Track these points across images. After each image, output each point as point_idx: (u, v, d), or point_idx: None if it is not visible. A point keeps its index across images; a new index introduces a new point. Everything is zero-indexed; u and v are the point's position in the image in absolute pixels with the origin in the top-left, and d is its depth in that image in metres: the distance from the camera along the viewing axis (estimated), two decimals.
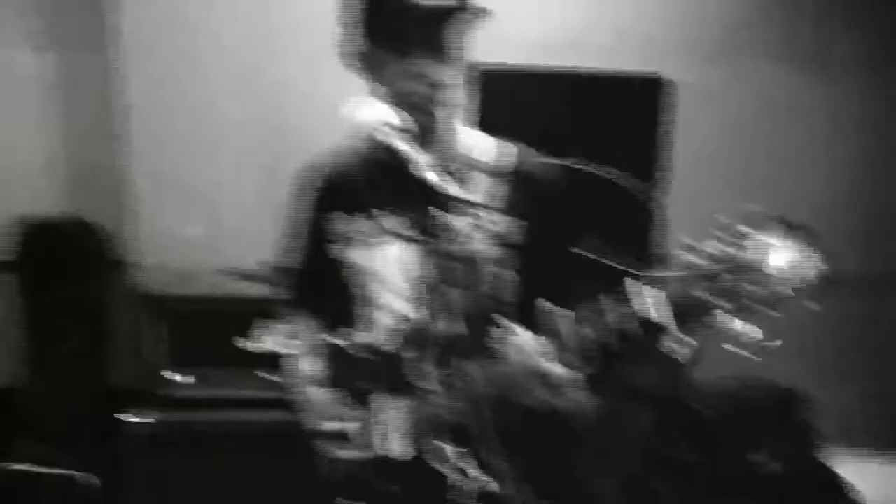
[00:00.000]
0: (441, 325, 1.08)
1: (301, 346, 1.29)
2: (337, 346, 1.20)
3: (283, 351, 1.29)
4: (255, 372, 2.02)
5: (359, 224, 1.16)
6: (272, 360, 1.99)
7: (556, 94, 1.97)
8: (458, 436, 1.07)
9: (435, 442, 1.08)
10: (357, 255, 1.17)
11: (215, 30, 2.12)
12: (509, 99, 1.85)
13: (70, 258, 2.31)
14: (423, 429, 1.09)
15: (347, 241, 1.17)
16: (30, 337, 2.32)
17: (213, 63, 2.13)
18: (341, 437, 1.15)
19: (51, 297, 2.31)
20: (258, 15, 2.13)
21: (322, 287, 1.22)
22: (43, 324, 2.31)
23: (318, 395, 1.21)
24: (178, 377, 1.99)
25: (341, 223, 1.18)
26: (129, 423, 1.96)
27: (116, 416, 2.02)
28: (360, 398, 1.15)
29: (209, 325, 2.01)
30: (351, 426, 1.15)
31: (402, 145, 1.05)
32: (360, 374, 1.15)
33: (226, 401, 1.98)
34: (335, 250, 1.18)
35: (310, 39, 2.12)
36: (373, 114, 1.06)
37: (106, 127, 2.21)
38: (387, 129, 1.05)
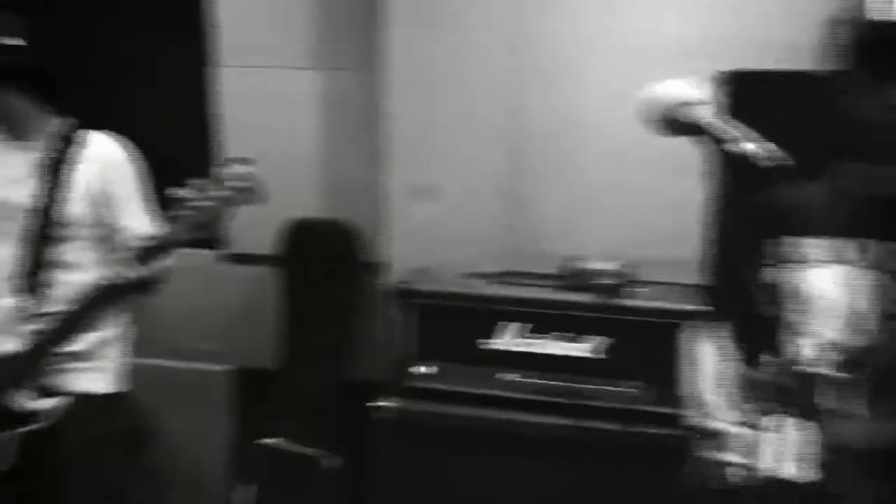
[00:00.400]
0: (882, 356, 1.01)
1: (710, 361, 1.26)
2: (751, 364, 1.17)
3: (690, 364, 1.28)
4: (495, 372, 2.09)
5: (805, 247, 1.08)
6: (512, 361, 2.07)
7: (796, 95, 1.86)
8: (867, 467, 0.99)
9: (839, 468, 1.01)
10: (795, 279, 1.08)
11: (478, 48, 2.26)
12: (757, 101, 1.79)
13: (329, 257, 2.57)
14: (832, 455, 1.02)
15: (787, 263, 1.09)
16: (291, 325, 2.60)
17: (471, 79, 2.27)
18: (726, 454, 1.10)
19: (310, 290, 2.57)
20: (519, 36, 2.23)
21: (741, 305, 1.18)
22: (302, 314, 2.58)
23: (716, 410, 1.18)
24: (422, 369, 2.10)
25: (782, 245, 1.11)
26: (375, 410, 2.11)
27: (363, 403, 2.19)
28: (759, 417, 1.10)
29: (454, 323, 2.11)
30: (740, 443, 1.10)
31: (713, 119, 1.01)
32: (769, 395, 1.09)
33: (466, 396, 2.06)
34: (768, 272, 1.12)
35: (567, 56, 2.21)
36: (684, 91, 1.04)
37: (368, 139, 2.44)
38: (702, 106, 1.02)
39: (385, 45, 2.30)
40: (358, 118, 2.50)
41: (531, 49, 2.24)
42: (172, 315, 2.66)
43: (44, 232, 1.74)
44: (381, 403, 2.10)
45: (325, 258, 2.56)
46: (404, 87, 2.31)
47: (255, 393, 2.71)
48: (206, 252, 2.66)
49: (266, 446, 2.49)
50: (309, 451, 2.46)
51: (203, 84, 2.59)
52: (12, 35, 1.69)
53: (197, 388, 2.78)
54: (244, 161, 1.65)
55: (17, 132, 1.77)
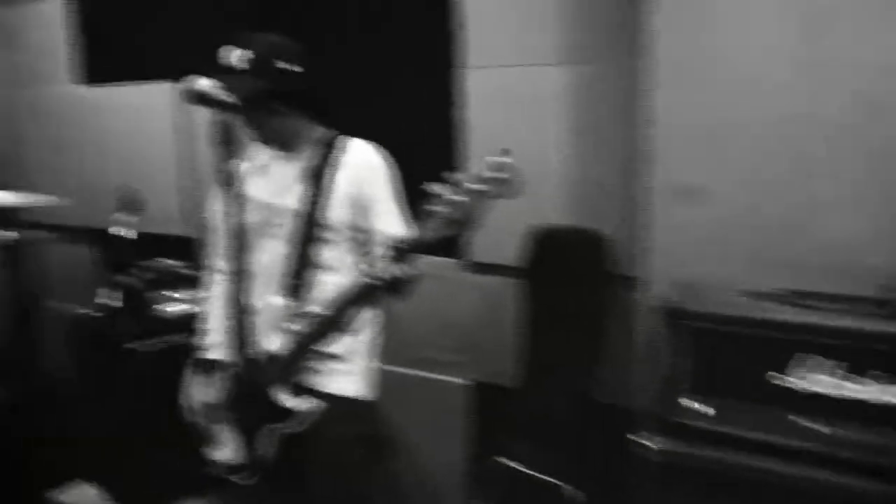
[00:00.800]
0: None
1: None
2: None
3: None
4: (789, 415, 1.70)
5: None
6: (813, 404, 1.68)
7: None
8: None
9: None
10: None
11: (761, 30, 1.91)
12: None
13: (577, 268, 2.35)
14: None
15: None
16: (532, 340, 2.43)
17: (751, 67, 1.92)
18: None
19: (554, 305, 2.38)
20: (811, 17, 1.85)
21: None
22: (545, 329, 2.40)
23: None
24: (695, 405, 1.79)
25: None
26: (634, 445, 1.83)
27: (614, 434, 1.93)
28: None
29: (736, 352, 1.76)
30: None
31: None
32: None
33: (750, 442, 1.70)
34: None
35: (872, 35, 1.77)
36: None
37: (624, 138, 2.19)
38: None
39: (646, 31, 2.03)
40: (613, 115, 2.26)
41: (824, 31, 1.83)
42: (413, 323, 2.64)
43: (308, 234, 1.79)
44: (640, 440, 1.82)
45: (572, 270, 2.35)
46: (669, 78, 2.02)
47: (493, 409, 2.59)
48: (447, 260, 2.60)
49: (503, 466, 2.34)
50: (548, 478, 2.26)
51: (449, 86, 2.53)
52: (294, 61, 1.74)
53: (435, 399, 2.73)
54: (500, 152, 1.52)
55: (289, 147, 1.85)
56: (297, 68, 1.74)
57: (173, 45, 3.10)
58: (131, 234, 2.80)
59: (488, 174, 1.51)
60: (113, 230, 2.82)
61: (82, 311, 3.03)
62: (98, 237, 3.45)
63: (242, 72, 1.68)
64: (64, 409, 2.98)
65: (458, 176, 1.54)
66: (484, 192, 1.51)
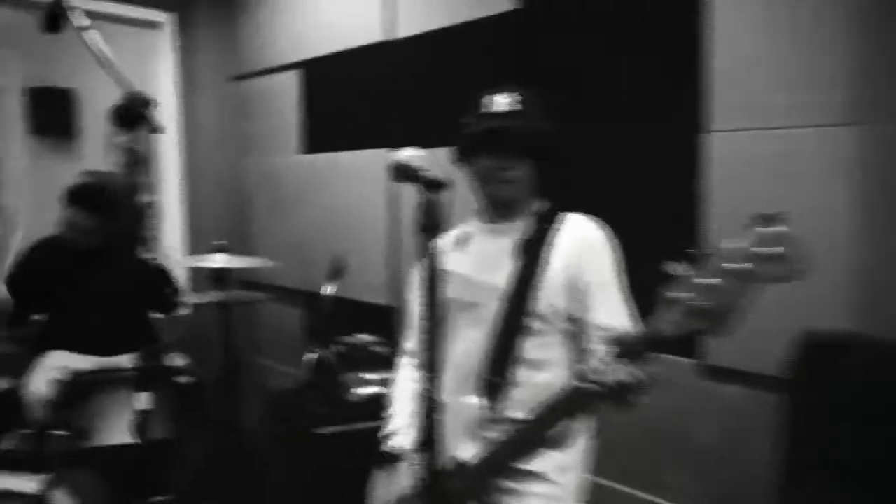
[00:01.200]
0: None
1: None
2: None
3: None
4: None
5: None
6: None
7: None
8: None
9: None
10: None
11: None
12: None
13: (861, 389, 1.76)
14: None
15: None
16: (793, 477, 1.85)
17: None
18: None
19: (828, 433, 1.80)
20: None
21: None
22: (812, 465, 1.82)
23: None
24: None
25: None
26: None
27: None
28: None
29: None
30: None
31: None
32: None
33: None
34: None
35: None
36: None
37: None
38: None
39: None
40: None
41: None
42: (635, 436, 2.21)
43: (514, 321, 1.53)
44: None
45: (855, 389, 1.77)
46: None
47: None
48: (680, 360, 2.14)
49: None
50: None
51: (692, 154, 2.12)
52: (549, 118, 1.59)
53: None
54: (772, 219, 1.10)
55: (506, 215, 1.63)
56: (550, 126, 1.58)
57: (392, 114, 3.08)
58: (330, 300, 2.73)
59: (758, 250, 1.10)
60: (319, 295, 2.77)
61: (280, 381, 3.01)
62: (306, 300, 3.48)
63: (517, 113, 1.53)
64: (252, 474, 2.93)
65: (712, 252, 1.15)
66: (750, 274, 1.10)
